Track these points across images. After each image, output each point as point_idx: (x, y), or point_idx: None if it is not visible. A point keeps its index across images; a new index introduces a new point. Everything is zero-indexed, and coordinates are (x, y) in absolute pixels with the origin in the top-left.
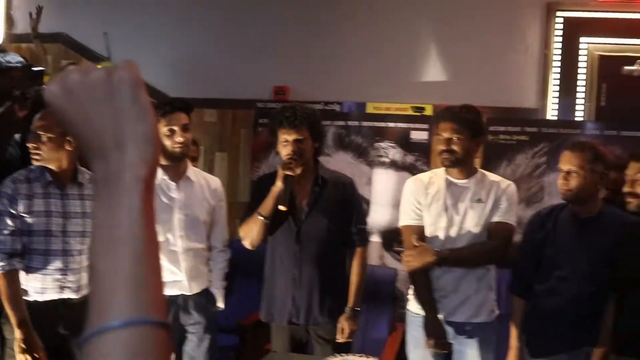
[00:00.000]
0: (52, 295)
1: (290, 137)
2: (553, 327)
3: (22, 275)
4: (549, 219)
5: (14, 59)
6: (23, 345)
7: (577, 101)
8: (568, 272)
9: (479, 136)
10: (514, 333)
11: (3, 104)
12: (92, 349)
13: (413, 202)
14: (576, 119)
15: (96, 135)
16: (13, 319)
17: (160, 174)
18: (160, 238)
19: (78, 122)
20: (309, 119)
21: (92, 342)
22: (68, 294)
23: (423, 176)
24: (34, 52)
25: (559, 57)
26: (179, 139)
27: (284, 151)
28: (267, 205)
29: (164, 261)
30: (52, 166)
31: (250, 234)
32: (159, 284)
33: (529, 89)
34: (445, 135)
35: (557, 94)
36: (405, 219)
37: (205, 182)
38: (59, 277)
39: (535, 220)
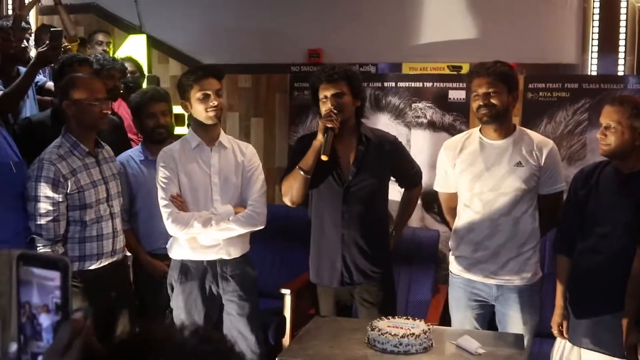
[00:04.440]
0: (107, 260)
1: (329, 92)
2: (595, 286)
3: (78, 247)
4: (592, 175)
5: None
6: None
7: (619, 55)
8: (609, 229)
9: (514, 91)
10: (559, 291)
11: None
12: None
13: (442, 172)
14: (618, 73)
15: None
16: None
17: (196, 139)
18: (198, 204)
19: None
20: (346, 74)
21: None
22: (116, 257)
23: (456, 140)
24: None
25: (598, 11)
26: (213, 102)
27: (324, 107)
28: (308, 159)
29: (200, 227)
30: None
31: (290, 190)
32: None
33: (568, 44)
34: (482, 90)
35: (597, 49)
36: (436, 185)
37: (238, 147)
38: (111, 241)
39: (578, 177)
